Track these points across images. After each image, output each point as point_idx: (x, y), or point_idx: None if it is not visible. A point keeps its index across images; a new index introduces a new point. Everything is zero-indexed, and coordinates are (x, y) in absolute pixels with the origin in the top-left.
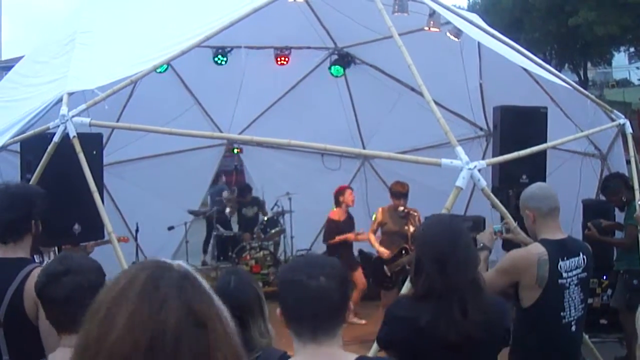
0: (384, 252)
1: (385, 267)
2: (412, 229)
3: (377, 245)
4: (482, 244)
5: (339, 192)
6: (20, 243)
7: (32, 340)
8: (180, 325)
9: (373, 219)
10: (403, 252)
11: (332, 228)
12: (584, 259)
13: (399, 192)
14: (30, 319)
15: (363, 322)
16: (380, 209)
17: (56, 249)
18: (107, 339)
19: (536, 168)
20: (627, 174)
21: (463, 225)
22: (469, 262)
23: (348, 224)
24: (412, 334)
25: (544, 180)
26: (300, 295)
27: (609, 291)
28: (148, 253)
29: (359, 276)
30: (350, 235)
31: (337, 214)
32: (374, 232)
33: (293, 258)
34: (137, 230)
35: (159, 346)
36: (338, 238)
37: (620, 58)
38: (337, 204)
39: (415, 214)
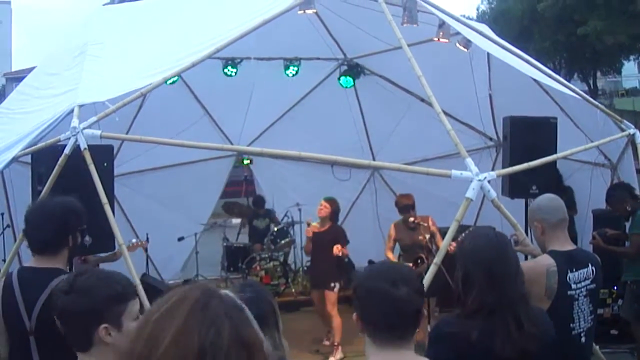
0: None
1: None
2: (427, 236)
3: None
4: None
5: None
6: (57, 256)
7: (63, 349)
8: (231, 345)
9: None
10: (419, 261)
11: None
12: (593, 270)
13: (406, 205)
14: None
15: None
16: (392, 226)
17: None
18: (154, 354)
19: (546, 179)
20: (637, 184)
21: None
22: (519, 275)
23: (326, 236)
24: (463, 350)
25: (554, 191)
26: (385, 304)
27: (620, 301)
28: (158, 264)
29: (332, 298)
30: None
31: (314, 227)
32: (392, 250)
33: (368, 266)
34: (147, 241)
35: None
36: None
37: (629, 67)
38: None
39: (426, 223)
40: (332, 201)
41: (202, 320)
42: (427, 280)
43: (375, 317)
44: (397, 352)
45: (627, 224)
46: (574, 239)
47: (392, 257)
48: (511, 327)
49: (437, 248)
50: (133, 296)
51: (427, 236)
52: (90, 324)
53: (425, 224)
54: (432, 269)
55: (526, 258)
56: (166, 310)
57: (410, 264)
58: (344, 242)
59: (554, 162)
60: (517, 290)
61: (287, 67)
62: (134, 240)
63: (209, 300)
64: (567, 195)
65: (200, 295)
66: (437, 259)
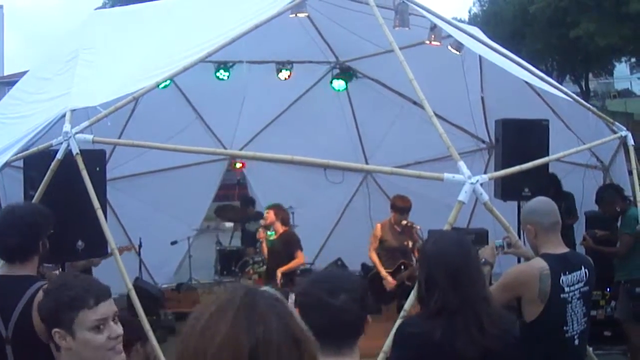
0: (386, 276)
1: (383, 282)
2: (411, 243)
3: (379, 266)
4: (484, 260)
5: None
6: (28, 263)
7: (39, 356)
8: (281, 339)
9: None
10: (402, 267)
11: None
12: (585, 272)
13: (403, 207)
14: (39, 336)
15: None
16: (378, 225)
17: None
18: (207, 351)
19: (539, 181)
20: (629, 185)
21: (469, 240)
22: (480, 275)
23: (277, 243)
24: (426, 350)
25: (547, 194)
26: (321, 312)
27: (613, 303)
28: (151, 268)
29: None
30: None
31: (261, 234)
32: (376, 250)
33: (311, 274)
34: (140, 245)
35: (260, 357)
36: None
37: (621, 69)
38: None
39: (415, 227)
40: (275, 207)
41: (250, 318)
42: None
43: (315, 325)
44: (338, 359)
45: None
46: (572, 246)
47: (376, 258)
48: (472, 328)
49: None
50: (88, 305)
51: (411, 243)
52: (49, 327)
53: (415, 228)
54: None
55: (519, 261)
56: (214, 311)
57: (390, 270)
58: (296, 247)
59: (547, 165)
60: (479, 291)
61: (279, 71)
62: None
63: (254, 298)
64: (568, 201)
65: (247, 292)
66: None
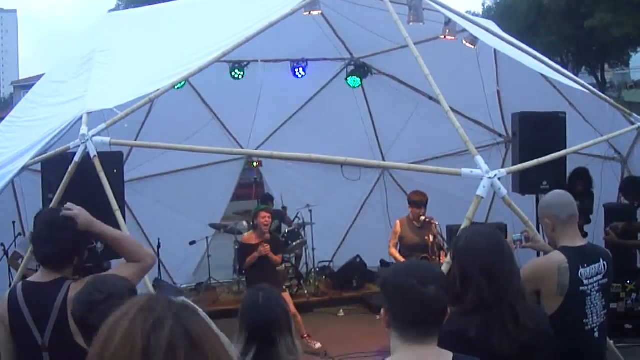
0: None
1: None
2: (431, 238)
3: (401, 261)
4: None
5: (254, 215)
6: (65, 269)
7: None
8: (174, 342)
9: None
10: None
11: (245, 252)
12: (604, 265)
13: (419, 201)
14: (75, 339)
15: (318, 345)
16: (397, 222)
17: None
18: (106, 354)
19: (557, 174)
20: None
21: (502, 235)
22: (515, 271)
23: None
24: (462, 347)
25: (565, 187)
26: (414, 301)
27: (634, 295)
28: (170, 269)
29: (288, 299)
30: (254, 254)
31: (250, 238)
32: (395, 246)
33: (395, 263)
34: (159, 246)
35: (152, 356)
36: (248, 260)
37: (637, 59)
38: (254, 227)
39: (434, 222)
40: (269, 210)
41: (146, 320)
42: None
43: (403, 313)
44: (422, 346)
45: None
46: None
47: (397, 254)
48: (508, 323)
49: (441, 248)
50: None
51: (432, 237)
52: (84, 330)
53: (434, 223)
54: (444, 267)
55: (538, 255)
56: (119, 315)
57: None
58: (280, 249)
59: (564, 158)
60: (514, 285)
61: (294, 69)
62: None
63: (155, 304)
64: (588, 200)
65: (149, 299)
66: (449, 258)
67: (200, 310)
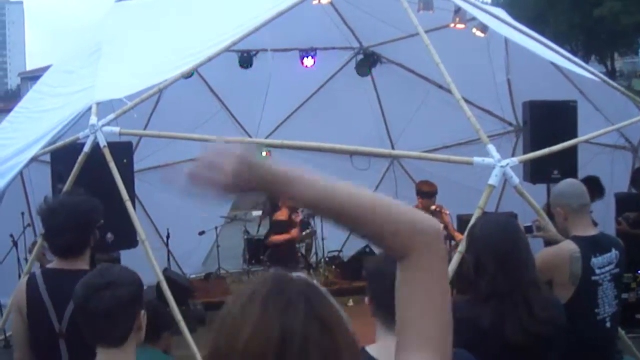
0: None
1: None
2: (443, 226)
3: None
4: None
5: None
6: (80, 256)
7: (92, 351)
8: (307, 327)
9: None
10: None
11: (277, 228)
12: (616, 254)
13: (429, 191)
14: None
15: None
16: None
17: None
18: (238, 342)
19: (568, 163)
20: None
21: (517, 224)
22: (530, 260)
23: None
24: (474, 336)
25: (576, 176)
26: (390, 286)
27: None
28: (179, 258)
29: None
30: (285, 236)
31: (281, 214)
32: None
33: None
34: (168, 236)
35: (288, 345)
36: (277, 237)
37: None
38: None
39: (445, 211)
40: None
41: (277, 305)
42: (451, 268)
43: (387, 302)
44: None
45: None
46: None
47: None
48: (522, 312)
49: (451, 238)
50: None
51: (442, 226)
52: (134, 311)
53: (445, 212)
54: (456, 257)
55: (546, 244)
56: (245, 299)
57: None
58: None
59: (575, 146)
60: (529, 274)
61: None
62: None
63: (282, 283)
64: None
65: (275, 280)
66: (461, 247)
67: (320, 286)
